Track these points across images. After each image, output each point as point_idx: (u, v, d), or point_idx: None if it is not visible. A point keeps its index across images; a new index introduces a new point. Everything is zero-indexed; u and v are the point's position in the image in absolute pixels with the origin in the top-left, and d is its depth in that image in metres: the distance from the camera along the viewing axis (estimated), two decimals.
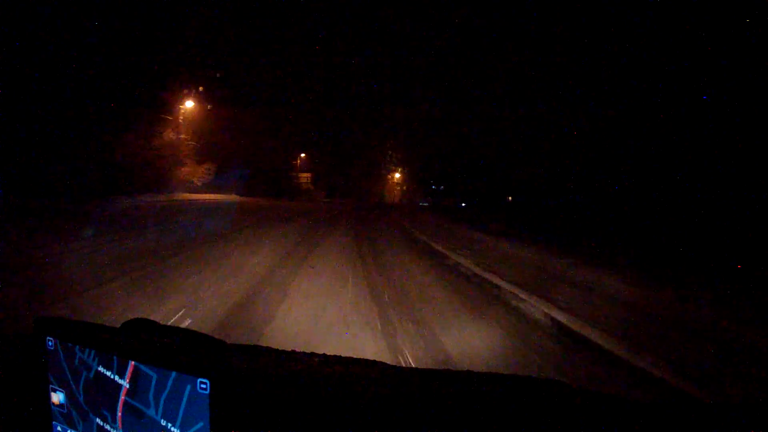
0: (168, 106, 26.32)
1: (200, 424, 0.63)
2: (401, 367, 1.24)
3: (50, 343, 0.78)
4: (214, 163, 29.36)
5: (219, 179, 31.42)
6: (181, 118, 28.21)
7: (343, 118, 50.02)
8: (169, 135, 27.23)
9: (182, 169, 26.68)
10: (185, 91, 28.08)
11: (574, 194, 17.19)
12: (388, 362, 1.21)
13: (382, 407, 0.85)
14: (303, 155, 51.91)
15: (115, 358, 0.71)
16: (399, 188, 66.45)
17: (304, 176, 50.31)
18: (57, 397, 0.79)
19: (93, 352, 0.73)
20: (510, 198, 31.00)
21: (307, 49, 44.40)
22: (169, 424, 0.66)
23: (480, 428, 0.80)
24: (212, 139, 31.18)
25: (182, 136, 28.86)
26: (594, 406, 0.97)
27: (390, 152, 54.01)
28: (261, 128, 37.81)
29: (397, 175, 65.92)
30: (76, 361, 0.75)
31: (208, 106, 29.28)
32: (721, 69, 10.70)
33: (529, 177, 22.38)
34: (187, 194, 26.43)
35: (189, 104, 27.93)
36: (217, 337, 0.78)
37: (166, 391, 0.65)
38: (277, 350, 1.19)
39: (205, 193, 28.40)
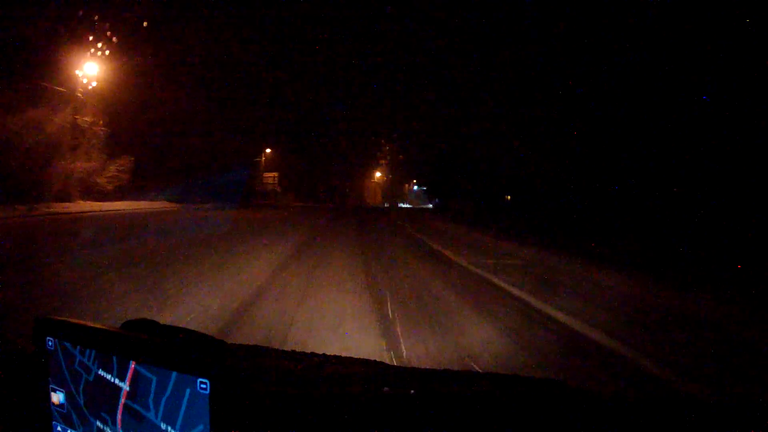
0: (51, 69, 17.38)
1: (200, 427, 0.62)
2: (401, 367, 1.29)
3: (50, 343, 0.77)
4: (134, 158, 20.59)
5: (149, 179, 22.75)
6: (81, 90, 19.26)
7: (318, 108, 42.23)
8: (60, 115, 18.39)
9: (77, 165, 17.86)
10: (87, 51, 19.16)
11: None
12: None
13: (382, 407, 0.84)
14: (268, 151, 43.70)
15: (114, 359, 0.70)
16: (380, 190, 60.13)
17: (270, 176, 41.91)
18: (57, 397, 0.78)
19: (93, 352, 0.73)
20: (508, 197, 27.38)
21: (276, 21, 35.93)
22: (169, 427, 0.65)
23: (480, 428, 0.79)
24: (136, 124, 22.46)
25: (85, 117, 19.96)
26: (594, 406, 0.96)
27: (376, 148, 47.11)
28: (213, 113, 29.20)
29: (378, 175, 59.77)
30: (76, 361, 0.75)
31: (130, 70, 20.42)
32: (722, 69, 10.71)
33: (531, 176, 20.75)
34: (84, 202, 17.76)
35: (91, 70, 18.99)
36: None
37: (167, 395, 0.65)
38: (277, 350, 1.20)
39: (119, 199, 19.65)
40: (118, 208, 17.19)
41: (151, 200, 20.95)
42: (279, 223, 16.01)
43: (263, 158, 42.84)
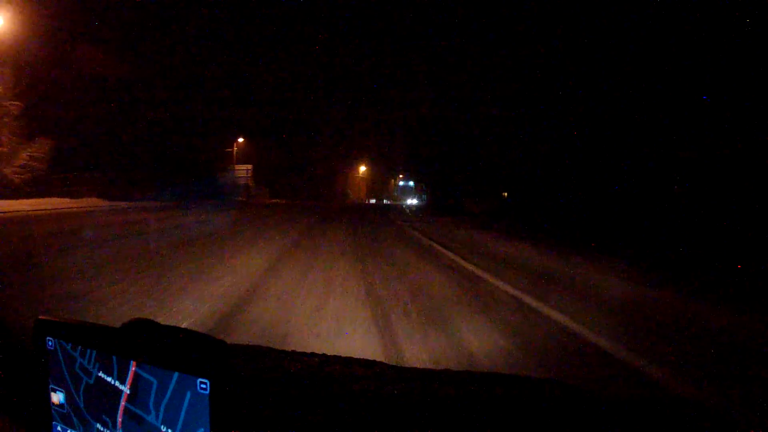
0: None
1: (200, 431, 0.61)
2: (401, 367, 1.21)
3: (50, 344, 0.76)
4: (54, 142, 15.82)
5: (80, 170, 18.07)
6: None
7: (300, 98, 38.14)
8: None
9: None
10: None
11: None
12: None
13: (382, 407, 0.83)
14: (241, 140, 39.27)
15: (115, 359, 0.69)
16: (365, 185, 56.67)
17: (242, 169, 37.34)
18: (57, 398, 0.76)
19: (93, 353, 0.72)
20: (505, 194, 26.60)
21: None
22: (170, 430, 0.64)
23: (480, 428, 0.78)
24: (63, 98, 17.74)
25: None
26: (594, 406, 0.94)
27: (363, 140, 43.58)
28: (169, 90, 24.51)
29: (363, 169, 56.15)
30: (77, 362, 0.73)
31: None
32: (721, 69, 10.54)
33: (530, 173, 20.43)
34: None
35: None
36: None
37: (167, 398, 0.64)
38: (277, 350, 1.17)
39: (31, 196, 14.87)
40: (16, 209, 12.40)
41: (77, 197, 16.26)
42: (227, 241, 8.32)
43: (235, 149, 38.18)
